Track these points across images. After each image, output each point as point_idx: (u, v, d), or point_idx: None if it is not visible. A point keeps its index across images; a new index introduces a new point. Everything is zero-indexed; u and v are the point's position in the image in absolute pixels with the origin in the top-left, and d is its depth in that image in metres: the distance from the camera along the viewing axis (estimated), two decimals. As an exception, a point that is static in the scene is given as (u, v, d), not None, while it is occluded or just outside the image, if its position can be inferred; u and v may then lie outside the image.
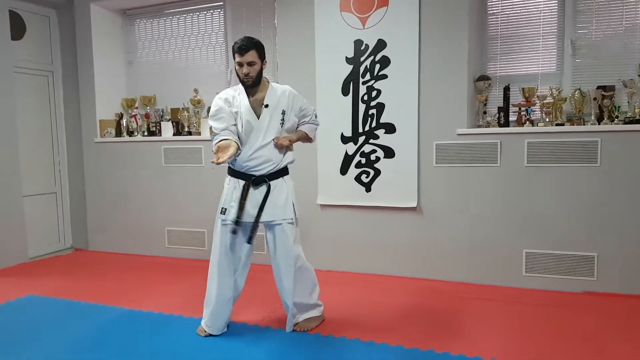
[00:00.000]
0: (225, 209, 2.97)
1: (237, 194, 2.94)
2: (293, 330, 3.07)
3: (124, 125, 5.17)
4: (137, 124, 5.11)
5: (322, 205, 4.32)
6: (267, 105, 2.89)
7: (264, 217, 2.93)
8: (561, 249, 3.67)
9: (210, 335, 3.02)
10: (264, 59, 2.92)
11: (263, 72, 2.93)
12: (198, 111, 4.97)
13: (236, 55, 2.85)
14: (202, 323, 3.06)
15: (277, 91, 2.94)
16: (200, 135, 4.81)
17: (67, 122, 5.45)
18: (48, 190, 5.38)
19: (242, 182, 2.94)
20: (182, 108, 4.97)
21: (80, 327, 3.21)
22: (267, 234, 3.01)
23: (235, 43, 2.86)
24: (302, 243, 3.11)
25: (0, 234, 4.67)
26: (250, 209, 2.93)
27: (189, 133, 4.89)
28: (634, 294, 3.51)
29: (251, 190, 2.94)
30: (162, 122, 5.01)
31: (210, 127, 2.93)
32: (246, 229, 2.99)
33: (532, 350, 2.74)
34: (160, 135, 5.02)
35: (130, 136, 5.15)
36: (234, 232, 2.94)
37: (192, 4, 5.04)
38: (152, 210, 5.04)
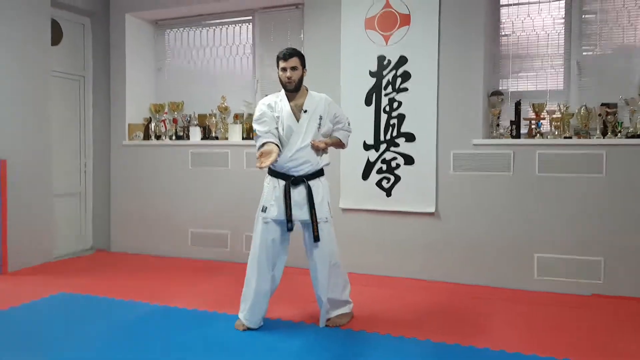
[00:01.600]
0: (266, 207, 3.19)
1: (277, 193, 3.17)
2: (326, 325, 3.27)
3: (152, 129, 5.43)
4: (165, 128, 5.38)
5: (344, 209, 4.58)
6: (306, 111, 3.16)
7: (302, 216, 3.14)
8: (570, 253, 3.95)
9: (249, 328, 3.20)
10: (305, 67, 3.21)
11: (303, 80, 3.22)
12: (225, 117, 5.24)
13: (280, 61, 3.14)
14: (241, 317, 3.24)
15: (315, 98, 3.22)
16: (227, 140, 5.07)
17: (94, 125, 5.70)
18: (73, 191, 5.58)
19: (282, 182, 3.17)
20: (210, 114, 5.25)
21: (118, 321, 3.38)
22: (305, 232, 3.24)
23: (280, 52, 3.17)
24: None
25: (30, 232, 4.85)
26: (293, 210, 3.15)
27: (216, 138, 5.16)
28: (638, 296, 3.79)
29: (292, 190, 3.16)
30: (190, 127, 5.27)
31: (254, 130, 3.20)
32: (283, 226, 3.20)
33: (547, 344, 2.98)
34: (188, 139, 5.28)
35: (157, 140, 5.41)
36: (290, 229, 3.17)
37: (221, 17, 5.36)
38: (176, 212, 5.28)
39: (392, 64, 4.36)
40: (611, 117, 3.92)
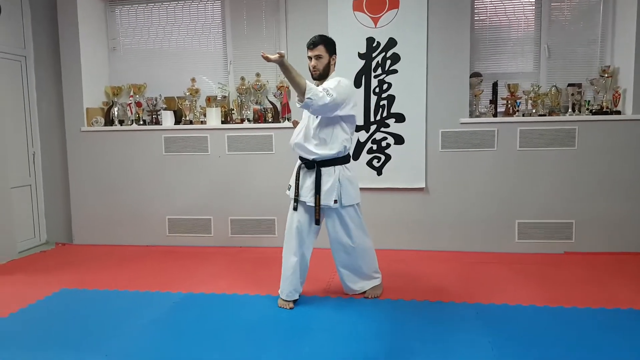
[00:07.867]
0: (290, 185, 3.35)
1: (294, 174, 3.33)
2: (365, 297, 3.44)
3: (115, 114, 5.04)
4: (131, 112, 5.01)
5: (337, 189, 4.67)
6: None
7: (307, 199, 3.23)
8: (546, 218, 4.44)
9: (288, 301, 3.28)
10: (333, 54, 3.21)
11: (332, 67, 3.22)
12: (196, 100, 5.01)
13: (308, 50, 3.17)
14: (283, 295, 3.32)
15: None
16: (204, 124, 4.88)
17: (40, 111, 5.17)
18: (22, 183, 5.05)
19: (297, 164, 3.33)
20: (180, 97, 4.99)
21: (153, 312, 3.25)
22: (326, 218, 3.35)
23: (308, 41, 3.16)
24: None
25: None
26: (303, 192, 3.25)
27: (190, 122, 4.94)
28: (602, 251, 4.38)
29: (302, 173, 3.27)
30: (161, 111, 4.98)
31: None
32: (310, 210, 3.29)
33: (540, 296, 3.41)
34: (157, 124, 4.99)
35: (120, 125, 5.04)
36: (295, 208, 3.29)
37: (185, -6, 5.07)
38: (149, 199, 5.01)
39: (382, 46, 4.47)
40: (578, 95, 4.41)
